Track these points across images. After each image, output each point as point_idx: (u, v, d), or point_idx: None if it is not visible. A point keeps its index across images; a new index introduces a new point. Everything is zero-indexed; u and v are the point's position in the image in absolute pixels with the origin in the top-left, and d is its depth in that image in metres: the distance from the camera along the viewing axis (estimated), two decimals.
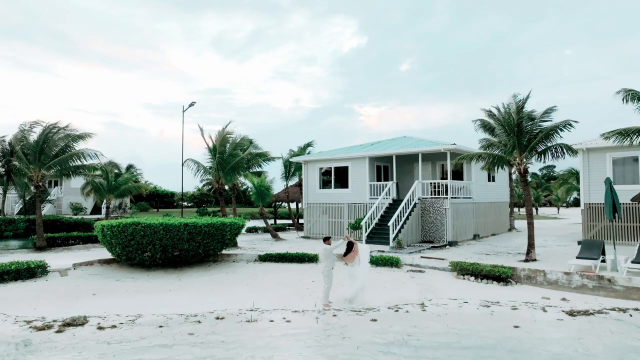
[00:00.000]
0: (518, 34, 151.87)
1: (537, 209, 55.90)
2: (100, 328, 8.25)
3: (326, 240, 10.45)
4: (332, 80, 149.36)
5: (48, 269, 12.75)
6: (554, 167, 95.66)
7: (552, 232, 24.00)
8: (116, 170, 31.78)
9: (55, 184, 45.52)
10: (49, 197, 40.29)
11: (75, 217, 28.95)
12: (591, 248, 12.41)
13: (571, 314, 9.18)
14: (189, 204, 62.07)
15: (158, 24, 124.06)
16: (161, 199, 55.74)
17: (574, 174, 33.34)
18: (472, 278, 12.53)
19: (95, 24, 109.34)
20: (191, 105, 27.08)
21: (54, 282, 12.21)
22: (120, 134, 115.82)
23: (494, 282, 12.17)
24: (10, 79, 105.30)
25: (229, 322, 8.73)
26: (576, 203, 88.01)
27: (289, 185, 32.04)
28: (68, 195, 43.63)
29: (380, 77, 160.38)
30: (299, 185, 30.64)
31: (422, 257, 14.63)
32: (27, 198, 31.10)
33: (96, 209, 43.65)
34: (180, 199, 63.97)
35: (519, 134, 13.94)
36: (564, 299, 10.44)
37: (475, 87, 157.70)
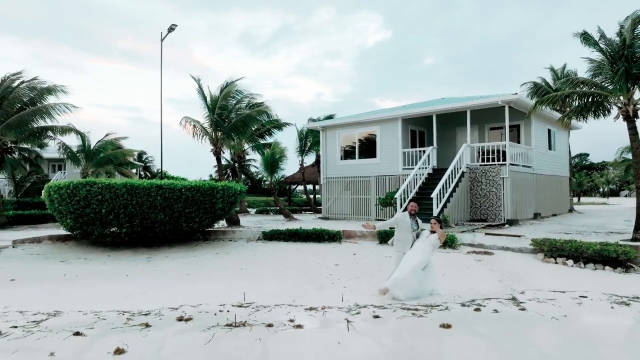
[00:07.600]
0: (542, 26, 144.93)
1: (579, 197, 50.86)
2: None
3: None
4: (355, 74, 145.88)
5: None
6: (588, 155, 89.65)
7: (626, 215, 19.67)
8: (119, 149, 28.39)
9: (59, 169, 42.98)
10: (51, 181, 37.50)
11: None
12: None
13: None
14: None
15: (184, 20, 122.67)
16: None
17: None
18: (571, 262, 8.57)
19: (121, 21, 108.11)
20: (171, 30, 19.88)
21: None
22: (144, 128, 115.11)
23: (605, 267, 8.23)
24: (35, 75, 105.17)
25: (196, 326, 5.06)
26: (612, 193, 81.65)
27: (304, 163, 28.24)
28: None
29: (402, 71, 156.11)
30: (317, 164, 26.81)
31: (486, 233, 10.66)
32: (17, 179, 28.53)
33: None
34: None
35: (631, 60, 9.78)
36: None
37: (496, 80, 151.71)
